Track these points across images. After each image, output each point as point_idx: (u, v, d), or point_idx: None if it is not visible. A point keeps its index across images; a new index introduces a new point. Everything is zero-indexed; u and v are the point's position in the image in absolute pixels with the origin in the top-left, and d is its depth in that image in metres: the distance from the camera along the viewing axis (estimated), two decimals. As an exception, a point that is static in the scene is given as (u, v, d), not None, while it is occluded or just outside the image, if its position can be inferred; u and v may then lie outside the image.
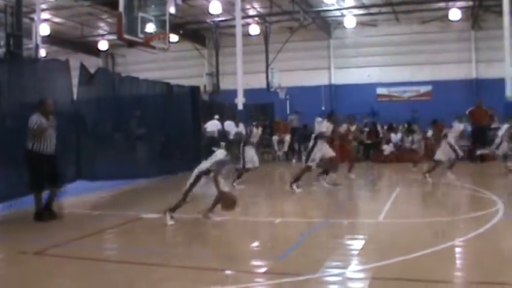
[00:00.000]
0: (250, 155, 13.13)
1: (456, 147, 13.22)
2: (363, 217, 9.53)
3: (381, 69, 26.19)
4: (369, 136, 21.61)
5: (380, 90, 26.70)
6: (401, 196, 11.73)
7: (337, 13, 24.76)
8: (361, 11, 24.45)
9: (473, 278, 5.41)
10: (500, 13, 19.29)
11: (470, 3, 23.49)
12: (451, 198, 11.62)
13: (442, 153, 13.18)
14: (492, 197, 10.24)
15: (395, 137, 21.15)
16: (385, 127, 22.25)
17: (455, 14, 23.25)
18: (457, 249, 6.58)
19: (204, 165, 8.04)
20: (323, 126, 12.21)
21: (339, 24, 25.68)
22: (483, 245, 6.73)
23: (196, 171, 8.04)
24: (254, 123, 15.22)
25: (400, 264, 5.73)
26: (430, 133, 16.60)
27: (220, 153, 8.11)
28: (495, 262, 5.87)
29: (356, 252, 6.45)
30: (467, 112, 17.58)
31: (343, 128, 14.11)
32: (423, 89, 26.23)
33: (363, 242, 7.03)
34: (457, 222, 8.35)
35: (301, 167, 12.54)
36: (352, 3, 23.68)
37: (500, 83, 18.45)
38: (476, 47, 25.20)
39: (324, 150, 12.06)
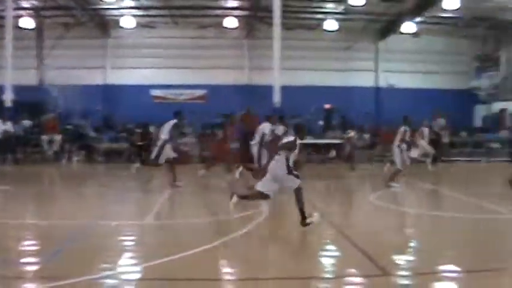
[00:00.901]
0: None
1: None
2: (131, 219, 10.70)
3: (158, 71, 31.04)
4: (142, 138, 24.34)
5: (156, 92, 31.60)
6: (172, 197, 13.77)
7: (116, 12, 28.82)
8: (140, 12, 28.92)
9: (240, 276, 6.84)
10: (271, 24, 24.03)
11: (246, 12, 28.95)
12: (219, 200, 13.00)
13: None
14: None
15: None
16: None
17: (231, 22, 29.12)
18: (223, 249, 8.03)
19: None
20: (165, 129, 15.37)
21: (117, 23, 29.50)
22: (247, 244, 8.49)
23: None
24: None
25: (167, 264, 6.82)
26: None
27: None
28: (260, 259, 7.48)
29: (124, 254, 7.58)
30: (237, 117, 21.71)
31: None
32: (198, 92, 31.79)
33: (131, 243, 8.40)
34: (223, 223, 10.22)
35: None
36: (131, 4, 28.01)
37: (270, 89, 23.10)
38: (250, 55, 31.61)
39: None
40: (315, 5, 29.26)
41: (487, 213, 10.99)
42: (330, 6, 29.16)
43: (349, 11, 28.75)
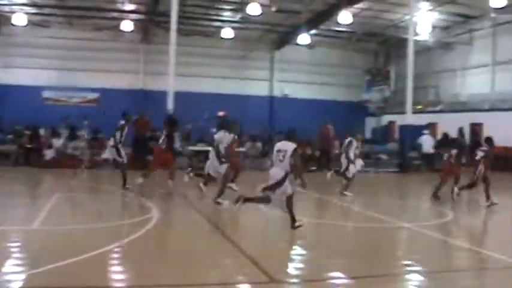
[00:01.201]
0: None
1: None
2: (17, 224, 10.39)
3: (50, 72, 31.77)
4: (31, 140, 24.43)
5: (47, 94, 32.40)
6: (60, 203, 13.55)
7: (7, 9, 29.21)
8: (32, 10, 29.42)
9: (128, 283, 6.98)
10: (168, 29, 24.31)
11: (142, 17, 30.43)
12: (110, 205, 13.83)
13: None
14: (148, 204, 13.17)
15: (57, 141, 24.45)
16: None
17: (127, 26, 30.33)
18: (112, 255, 8.19)
19: None
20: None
21: (8, 20, 29.76)
22: (135, 250, 8.64)
23: None
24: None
25: (53, 271, 6.87)
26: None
27: None
28: (147, 266, 7.49)
29: (7, 261, 7.43)
30: (130, 121, 22.59)
31: None
32: (91, 95, 32.92)
33: (16, 249, 8.32)
34: (113, 229, 10.41)
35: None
36: (23, 1, 28.54)
37: (164, 95, 24.03)
38: (145, 59, 33.21)
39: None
40: (212, 12, 31.03)
41: (374, 222, 11.94)
42: (227, 14, 31.06)
43: (246, 20, 30.64)
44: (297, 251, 9.39)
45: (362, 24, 31.87)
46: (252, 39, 34.38)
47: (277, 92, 36.49)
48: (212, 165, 14.17)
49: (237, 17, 30.58)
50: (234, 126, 14.52)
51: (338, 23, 29.59)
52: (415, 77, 27.85)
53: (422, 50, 32.93)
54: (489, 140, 16.20)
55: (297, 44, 33.87)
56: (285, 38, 34.82)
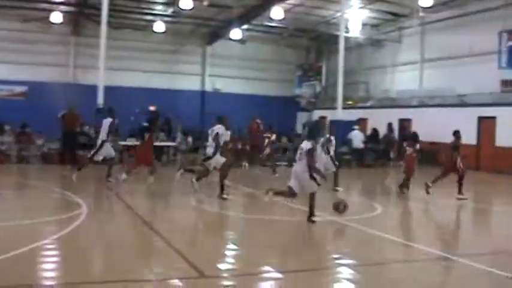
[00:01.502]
0: None
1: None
2: None
3: None
4: None
5: None
6: None
7: None
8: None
9: (60, 280, 6.78)
10: (99, 22, 23.83)
11: (73, 8, 29.79)
12: (37, 201, 13.36)
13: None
14: (77, 200, 12.84)
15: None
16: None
17: (56, 17, 29.62)
18: (40, 252, 8.02)
19: None
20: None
21: None
22: (64, 247, 8.51)
23: None
24: None
25: None
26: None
27: None
28: (75, 263, 7.46)
29: None
30: (59, 115, 22.59)
31: None
32: (19, 88, 31.82)
33: None
34: (40, 225, 10.07)
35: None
36: None
37: (94, 89, 23.60)
38: (75, 52, 32.59)
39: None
40: (144, 6, 30.71)
41: (304, 216, 11.51)
42: (159, 8, 30.74)
43: (178, 14, 30.43)
44: (228, 245, 9.38)
45: (294, 20, 32.17)
46: (183, 33, 34.26)
47: (209, 87, 36.54)
48: (216, 160, 14.14)
49: (169, 10, 30.27)
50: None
51: (270, 19, 29.77)
52: (345, 72, 28.27)
53: (353, 46, 33.45)
54: (415, 135, 16.73)
55: (229, 39, 33.89)
56: (217, 33, 34.81)
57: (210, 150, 14.13)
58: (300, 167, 10.92)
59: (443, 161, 16.64)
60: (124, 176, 15.43)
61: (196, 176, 14.49)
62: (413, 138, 16.70)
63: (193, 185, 14.31)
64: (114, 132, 17.42)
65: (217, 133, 14.06)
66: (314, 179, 10.90)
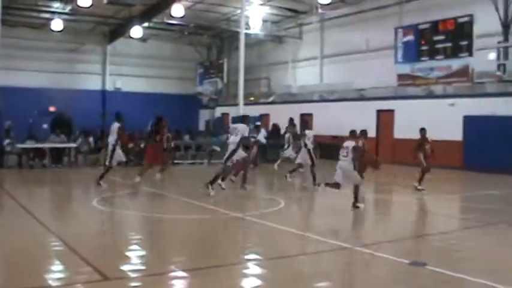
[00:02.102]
0: None
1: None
2: None
3: None
4: None
5: None
6: None
7: None
8: None
9: None
10: None
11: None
12: None
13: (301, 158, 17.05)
14: None
15: None
16: None
17: None
18: None
19: None
20: None
21: None
22: None
23: None
24: None
25: None
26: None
27: None
28: None
29: None
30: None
31: None
32: None
33: None
34: None
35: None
36: None
37: None
38: None
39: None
40: (40, 3, 29.53)
41: (208, 213, 11.76)
42: (56, 5, 29.72)
43: (77, 11, 29.65)
44: (132, 246, 8.97)
45: (195, 18, 32.00)
46: (83, 32, 33.59)
47: (110, 86, 35.91)
48: (238, 154, 14.72)
49: (67, 8, 29.42)
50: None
51: (171, 16, 29.41)
52: (247, 69, 28.39)
53: (254, 43, 33.67)
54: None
55: (130, 37, 33.27)
56: (117, 31, 34.13)
57: (231, 147, 14.59)
58: (346, 162, 12.50)
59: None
60: (138, 178, 15.21)
61: (221, 177, 14.69)
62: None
63: (221, 185, 14.48)
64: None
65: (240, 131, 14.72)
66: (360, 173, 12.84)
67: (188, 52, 37.50)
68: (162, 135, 15.93)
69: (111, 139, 15.95)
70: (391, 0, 26.94)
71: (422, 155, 16.15)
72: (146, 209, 13.37)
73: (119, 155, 16.08)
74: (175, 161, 23.77)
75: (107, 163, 16.14)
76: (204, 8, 31.14)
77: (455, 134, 21.83)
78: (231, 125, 15.64)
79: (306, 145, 16.87)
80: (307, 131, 17.34)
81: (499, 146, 20.72)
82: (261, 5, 30.47)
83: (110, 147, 16.01)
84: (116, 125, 15.97)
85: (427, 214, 13.50)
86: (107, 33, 34.97)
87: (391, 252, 8.42)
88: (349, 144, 12.57)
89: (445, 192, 16.46)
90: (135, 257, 8.20)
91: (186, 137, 27.86)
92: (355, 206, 12.56)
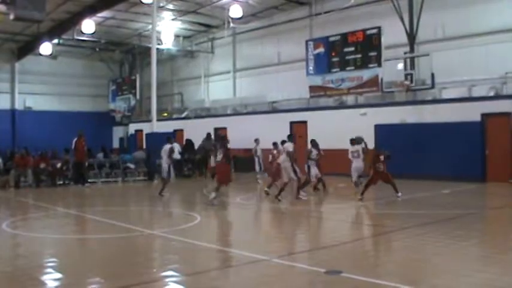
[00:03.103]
0: None
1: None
2: None
3: None
4: None
5: None
6: None
7: None
8: None
9: None
10: None
11: None
12: None
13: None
14: None
15: None
16: None
17: None
18: None
19: None
20: None
21: None
22: None
23: None
24: None
25: None
26: None
27: None
28: None
29: None
30: None
31: None
32: None
33: None
34: None
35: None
36: None
37: None
38: None
39: None
40: None
41: (124, 232, 11.54)
42: (-42, 22, 28.17)
43: (-19, 28, 28.21)
44: (47, 269, 8.47)
45: (106, 33, 31.54)
46: (-11, 49, 32.13)
47: (20, 105, 34.67)
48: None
49: (-30, 24, 28.13)
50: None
51: (81, 32, 28.74)
52: (160, 85, 28.15)
53: (167, 58, 33.44)
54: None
55: (39, 54, 32.31)
56: (26, 48, 33.18)
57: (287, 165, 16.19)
58: (358, 163, 16.93)
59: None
60: (213, 194, 15.76)
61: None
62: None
63: (279, 198, 15.81)
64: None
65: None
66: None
67: (100, 69, 36.93)
68: (229, 155, 16.65)
69: (165, 159, 18.49)
70: (302, 14, 27.40)
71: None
72: (60, 230, 12.71)
73: (172, 172, 18.82)
74: (89, 180, 23.02)
75: (168, 179, 18.54)
76: (115, 24, 30.71)
77: (368, 142, 22.26)
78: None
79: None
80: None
81: (409, 152, 21.25)
82: (173, 20, 30.33)
83: (165, 166, 18.55)
84: (167, 146, 18.71)
85: (342, 223, 13.39)
86: (15, 50, 33.97)
87: (308, 262, 8.56)
88: (358, 148, 17.08)
89: (358, 199, 16.53)
90: (52, 279, 7.80)
91: (100, 155, 27.04)
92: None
